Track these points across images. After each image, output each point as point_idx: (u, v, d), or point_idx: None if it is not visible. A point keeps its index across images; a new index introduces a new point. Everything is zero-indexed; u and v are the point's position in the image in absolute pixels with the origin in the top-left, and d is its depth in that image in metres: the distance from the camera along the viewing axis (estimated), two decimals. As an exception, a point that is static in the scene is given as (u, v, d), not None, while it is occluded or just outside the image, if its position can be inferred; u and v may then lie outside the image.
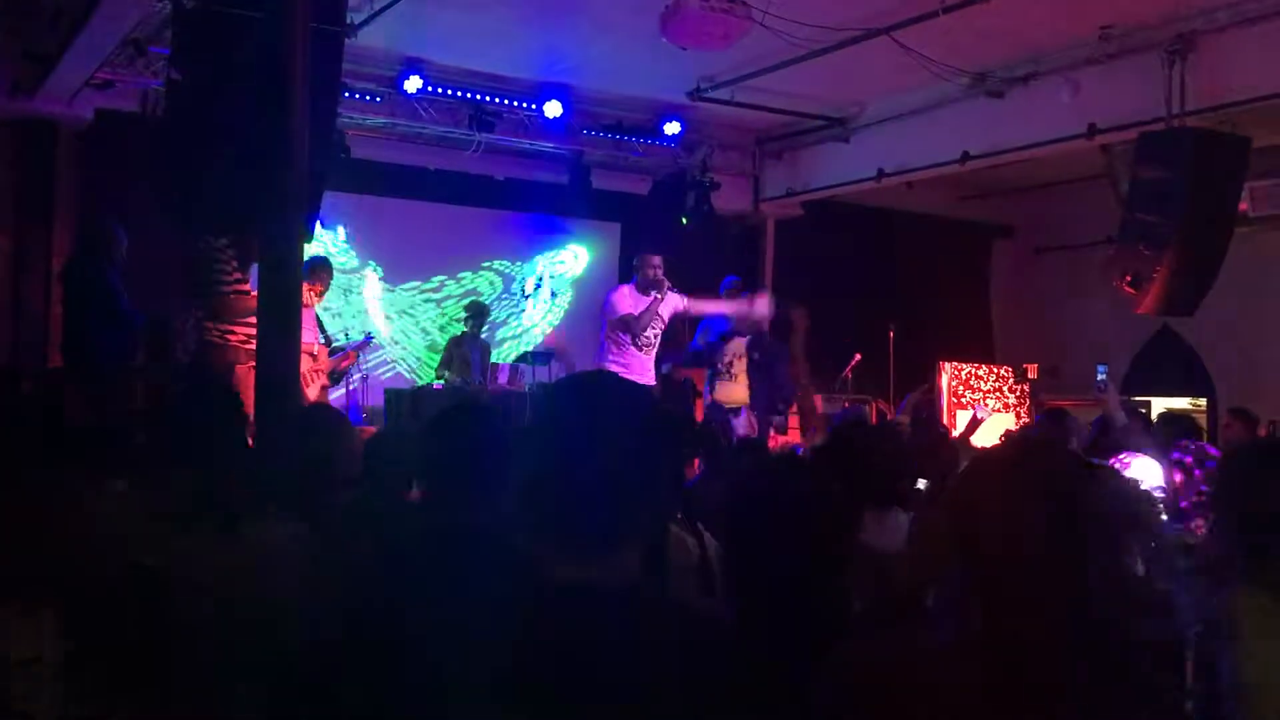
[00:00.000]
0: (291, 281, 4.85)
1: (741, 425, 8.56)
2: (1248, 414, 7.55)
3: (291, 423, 3.23)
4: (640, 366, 8.15)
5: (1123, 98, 8.01)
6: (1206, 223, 7.43)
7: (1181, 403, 9.75)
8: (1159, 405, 9.24)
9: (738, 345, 8.75)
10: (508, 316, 11.06)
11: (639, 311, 8.01)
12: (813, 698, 1.69)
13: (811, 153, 10.90)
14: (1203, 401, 10.20)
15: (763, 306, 8.54)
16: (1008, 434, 7.47)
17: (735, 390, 8.74)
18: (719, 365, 8.74)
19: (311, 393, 7.36)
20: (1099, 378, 8.99)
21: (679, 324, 8.80)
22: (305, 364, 6.55)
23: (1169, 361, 11.38)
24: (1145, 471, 3.94)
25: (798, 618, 2.04)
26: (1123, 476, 2.88)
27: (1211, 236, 7.46)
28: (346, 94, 8.31)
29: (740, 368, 8.75)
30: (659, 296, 8.07)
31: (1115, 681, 1.56)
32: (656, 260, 8.26)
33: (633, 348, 8.09)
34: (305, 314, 6.35)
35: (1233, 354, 10.66)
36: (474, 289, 10.75)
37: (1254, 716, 2.33)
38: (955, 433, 7.42)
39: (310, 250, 6.41)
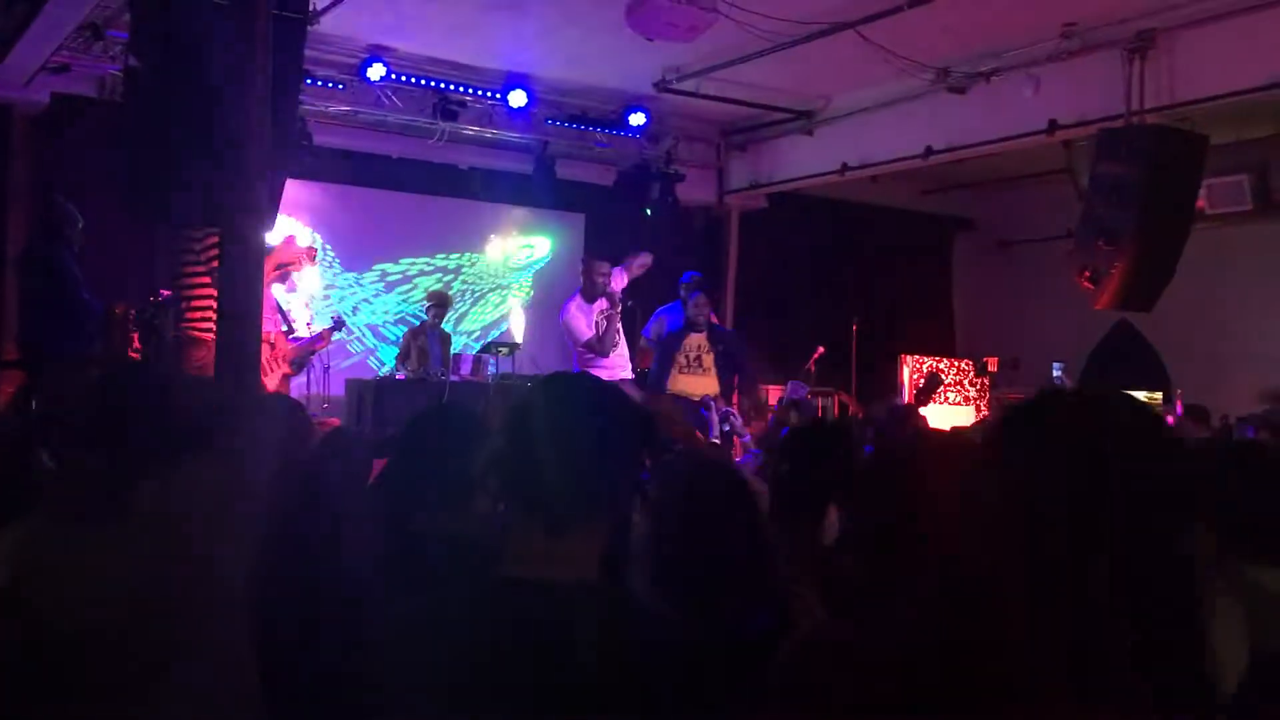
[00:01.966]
0: (252, 270, 4.80)
1: (714, 420, 8.57)
2: (1199, 410, 7.66)
3: (246, 411, 3.19)
4: (615, 363, 8.21)
5: (1084, 94, 8.08)
6: (1164, 219, 7.52)
7: (1139, 396, 9.87)
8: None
9: (700, 338, 8.77)
10: (472, 306, 11.01)
11: (602, 333, 8.13)
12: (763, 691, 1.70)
13: (776, 145, 10.93)
14: (1159, 396, 10.33)
15: (637, 266, 8.64)
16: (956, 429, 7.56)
17: (706, 382, 8.77)
18: (684, 358, 8.74)
19: (271, 382, 7.29)
20: (1055, 374, 9.21)
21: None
22: (264, 353, 6.49)
23: (1126, 356, 11.51)
24: None
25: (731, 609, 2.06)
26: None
27: (1169, 233, 7.55)
28: (309, 81, 8.24)
29: (710, 360, 8.78)
30: (617, 310, 8.19)
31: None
32: (605, 267, 8.32)
33: (604, 366, 8.20)
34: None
35: (1189, 349, 10.80)
36: (436, 279, 10.69)
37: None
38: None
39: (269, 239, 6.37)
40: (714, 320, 8.43)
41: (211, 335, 6.42)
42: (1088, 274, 7.67)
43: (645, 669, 1.52)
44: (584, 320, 8.24)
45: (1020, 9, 7.71)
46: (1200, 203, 7.98)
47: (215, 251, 6.43)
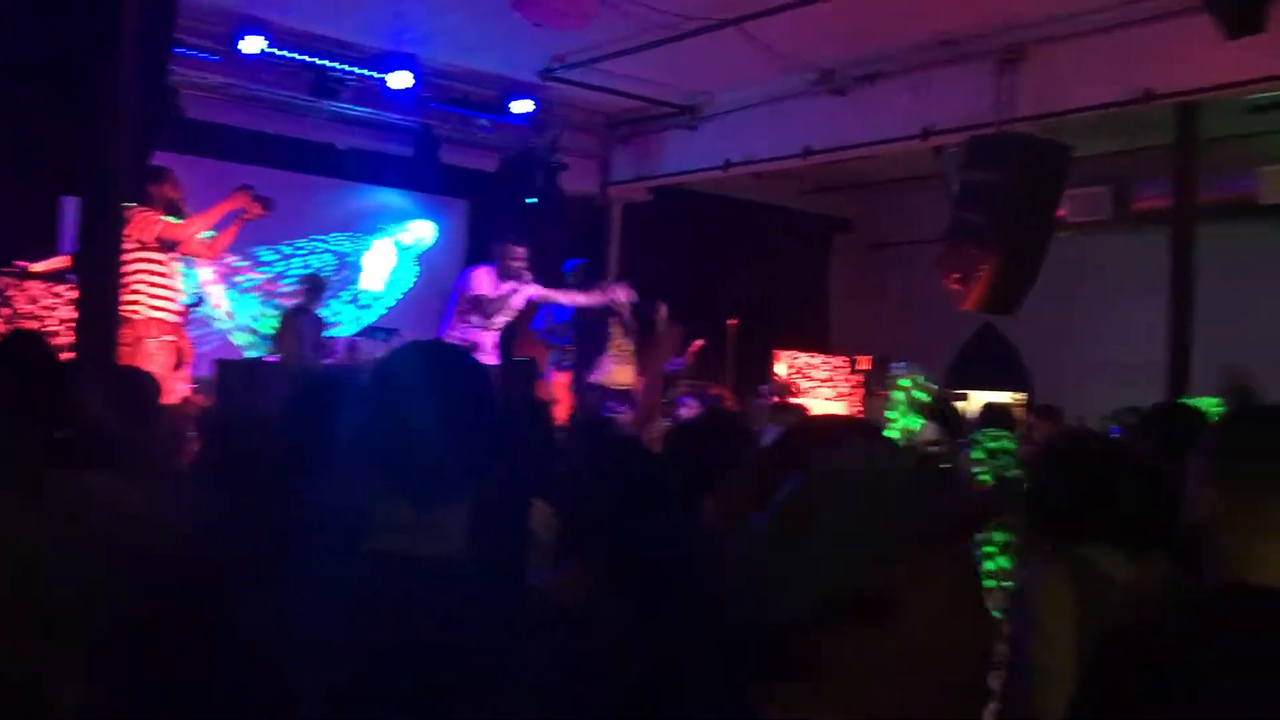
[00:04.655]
0: (113, 242, 4.63)
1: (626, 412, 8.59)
2: (1052, 410, 7.99)
3: (104, 385, 3.09)
4: (485, 344, 8.13)
5: (957, 102, 8.33)
6: (1029, 225, 7.80)
7: (1003, 397, 10.24)
8: (980, 399, 9.68)
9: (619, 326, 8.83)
10: (348, 291, 10.81)
11: (494, 296, 8.03)
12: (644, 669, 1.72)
13: (660, 139, 10.99)
14: (1023, 396, 10.73)
15: (622, 294, 8.63)
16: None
17: (627, 371, 8.81)
18: (606, 345, 8.78)
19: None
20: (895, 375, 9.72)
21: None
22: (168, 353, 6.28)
23: (990, 357, 11.93)
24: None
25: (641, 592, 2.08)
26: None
27: (1033, 239, 7.84)
28: (181, 51, 7.96)
29: (629, 347, 8.81)
30: (519, 287, 8.12)
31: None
32: (521, 251, 8.25)
33: (477, 328, 8.08)
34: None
35: (1048, 352, 11.25)
36: (311, 261, 10.46)
37: (1040, 699, 2.46)
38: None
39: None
40: (531, 281, 8.38)
41: (141, 313, 6.19)
42: (956, 276, 7.91)
43: (514, 644, 1.52)
44: (489, 284, 8.13)
45: (899, 16, 7.90)
46: (1062, 211, 8.31)
47: (143, 222, 6.19)
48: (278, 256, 10.37)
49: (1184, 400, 3.98)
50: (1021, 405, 10.02)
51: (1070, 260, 8.74)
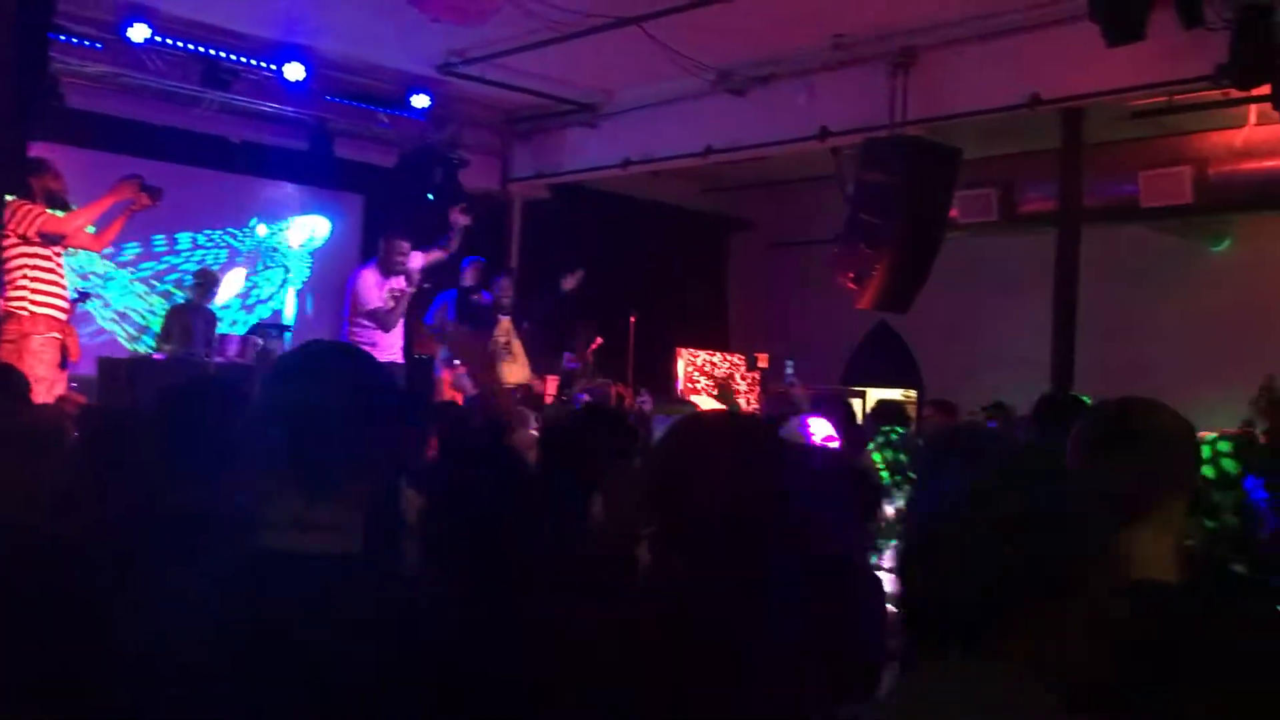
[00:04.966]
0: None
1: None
2: (947, 404, 8.18)
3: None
4: (387, 344, 8.03)
5: (852, 104, 8.48)
6: (921, 226, 7.98)
7: (895, 393, 10.45)
8: (875, 395, 9.87)
9: (506, 322, 8.76)
10: (241, 286, 10.54)
11: (389, 308, 7.96)
12: (521, 664, 1.71)
13: (560, 136, 10.96)
14: (914, 393, 10.97)
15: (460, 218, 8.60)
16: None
17: (517, 369, 8.73)
18: (493, 344, 8.70)
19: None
20: (787, 372, 9.91)
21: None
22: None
23: (885, 355, 12.17)
24: (819, 427, 4.56)
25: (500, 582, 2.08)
26: (831, 457, 3.07)
27: (925, 239, 8.02)
28: (62, 38, 7.68)
29: (518, 346, 8.75)
30: (410, 290, 8.05)
31: (797, 637, 1.66)
32: (406, 246, 8.15)
33: (378, 332, 8.01)
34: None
35: (939, 349, 11.52)
36: (202, 256, 10.18)
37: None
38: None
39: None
40: (420, 282, 8.33)
41: (31, 310, 5.94)
42: (851, 275, 8.05)
43: (413, 646, 1.50)
44: (376, 291, 8.05)
45: (795, 18, 8.01)
46: (953, 212, 8.51)
47: (24, 216, 5.93)
48: (167, 250, 10.07)
49: (1065, 392, 4.10)
50: (912, 402, 10.24)
51: (960, 260, 8.95)
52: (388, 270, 8.07)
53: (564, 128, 10.84)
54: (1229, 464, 3.12)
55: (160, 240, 10.02)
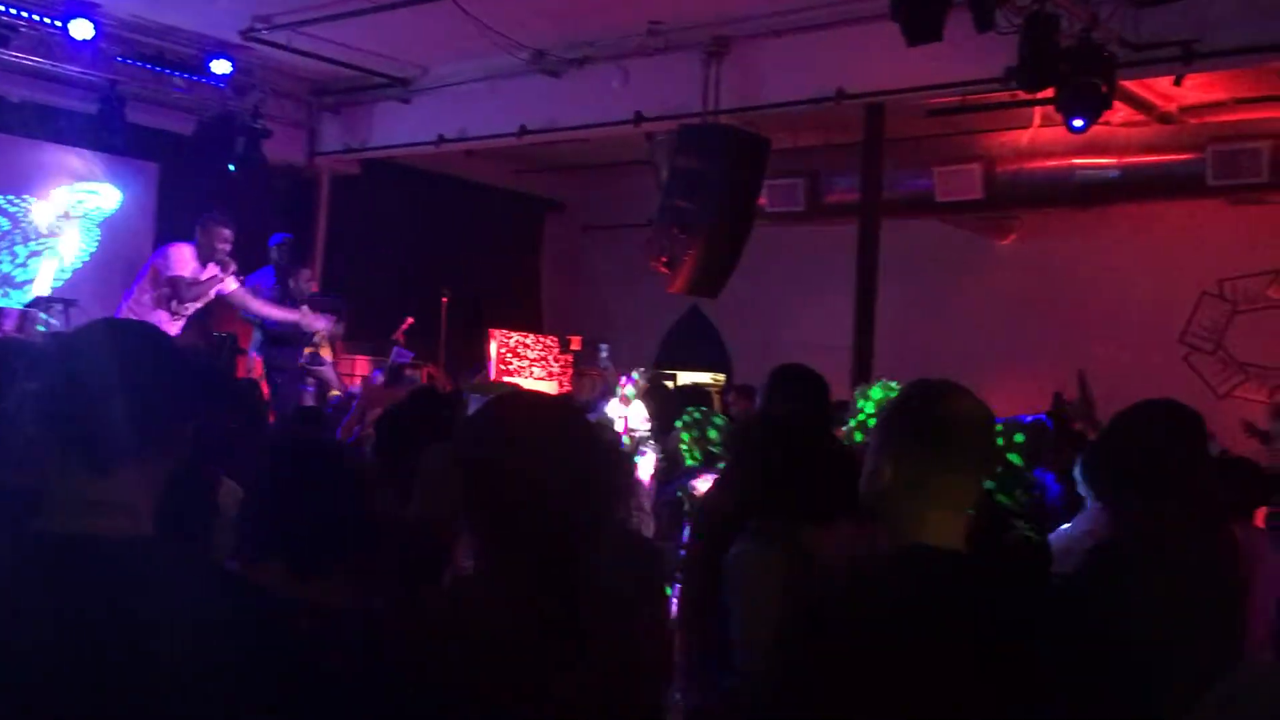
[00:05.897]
0: None
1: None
2: (749, 389, 8.40)
3: None
4: (163, 323, 7.68)
5: (666, 90, 8.57)
6: (732, 213, 8.14)
7: (704, 377, 10.65)
8: (685, 378, 10.03)
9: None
10: (19, 257, 9.84)
11: (192, 280, 7.66)
12: (326, 657, 1.67)
13: (371, 110, 10.68)
14: (723, 376, 11.21)
15: (320, 324, 8.50)
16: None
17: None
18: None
19: None
20: (601, 355, 10.05)
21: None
22: None
23: (696, 339, 12.40)
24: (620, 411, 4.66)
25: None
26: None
27: (735, 226, 8.18)
28: None
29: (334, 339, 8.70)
30: (223, 277, 7.81)
31: (615, 618, 1.67)
32: (228, 234, 7.89)
33: (163, 310, 7.68)
34: None
35: (747, 334, 11.81)
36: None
37: (744, 668, 2.58)
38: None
39: None
40: (235, 272, 8.12)
41: None
42: (664, 260, 8.15)
43: (214, 635, 1.43)
44: (190, 266, 7.74)
45: (612, 3, 8.03)
46: (762, 200, 8.72)
47: None
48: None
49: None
50: (718, 387, 10.47)
51: (768, 248, 9.18)
52: (206, 257, 7.81)
53: (375, 101, 10.57)
54: (1015, 458, 3.27)
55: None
